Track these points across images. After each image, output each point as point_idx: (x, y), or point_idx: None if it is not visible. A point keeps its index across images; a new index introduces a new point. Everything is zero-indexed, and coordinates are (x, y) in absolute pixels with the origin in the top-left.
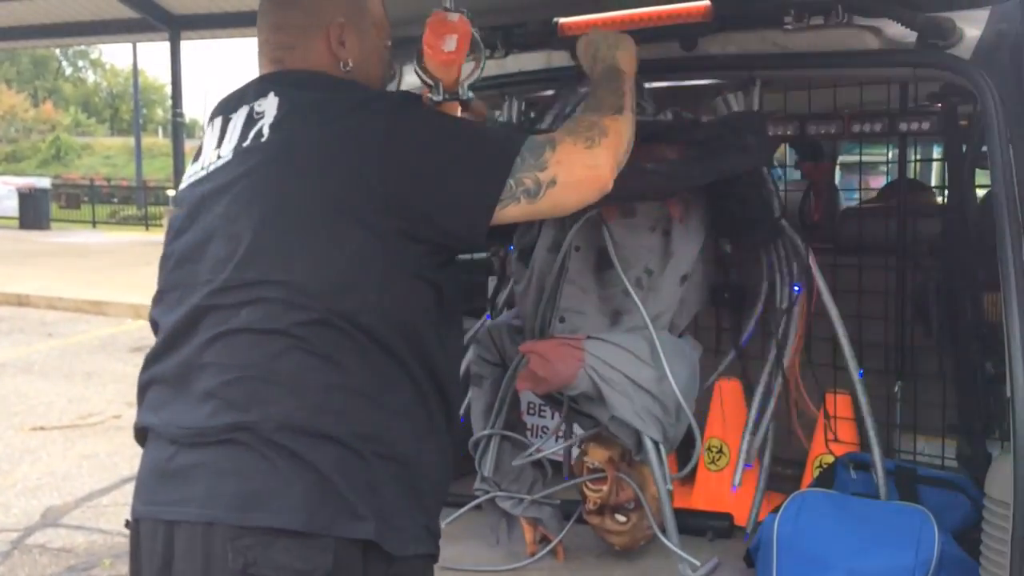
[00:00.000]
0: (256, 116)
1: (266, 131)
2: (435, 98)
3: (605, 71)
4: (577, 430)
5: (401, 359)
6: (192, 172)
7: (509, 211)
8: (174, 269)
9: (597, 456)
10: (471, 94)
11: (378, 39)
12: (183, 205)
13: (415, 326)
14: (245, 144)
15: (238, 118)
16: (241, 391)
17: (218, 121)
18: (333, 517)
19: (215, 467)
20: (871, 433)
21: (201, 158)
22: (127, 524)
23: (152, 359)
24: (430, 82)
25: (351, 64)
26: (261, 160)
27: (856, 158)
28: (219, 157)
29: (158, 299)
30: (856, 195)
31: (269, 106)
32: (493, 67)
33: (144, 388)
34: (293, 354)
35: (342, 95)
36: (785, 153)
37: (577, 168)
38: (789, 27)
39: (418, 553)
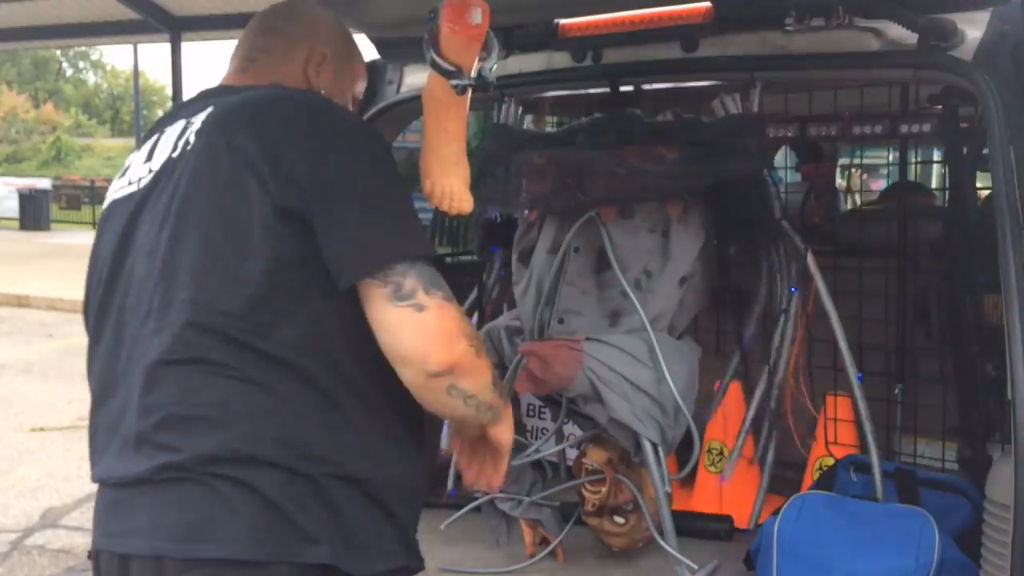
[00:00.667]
0: (188, 126)
1: (192, 139)
2: (461, 83)
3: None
4: (575, 431)
5: (336, 374)
6: (119, 187)
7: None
8: (101, 290)
9: (595, 457)
10: (495, 79)
11: (349, 88)
12: (110, 221)
13: (343, 337)
14: (174, 155)
15: (173, 130)
16: (170, 431)
17: (154, 137)
18: (284, 543)
19: (159, 497)
20: (869, 436)
21: (128, 173)
22: (89, 555)
23: (93, 403)
24: (451, 68)
25: (321, 93)
26: (181, 171)
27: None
28: (150, 171)
29: (88, 321)
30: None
31: (202, 115)
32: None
33: (91, 437)
34: (216, 382)
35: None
36: (786, 155)
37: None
38: (790, 28)
39: (388, 569)
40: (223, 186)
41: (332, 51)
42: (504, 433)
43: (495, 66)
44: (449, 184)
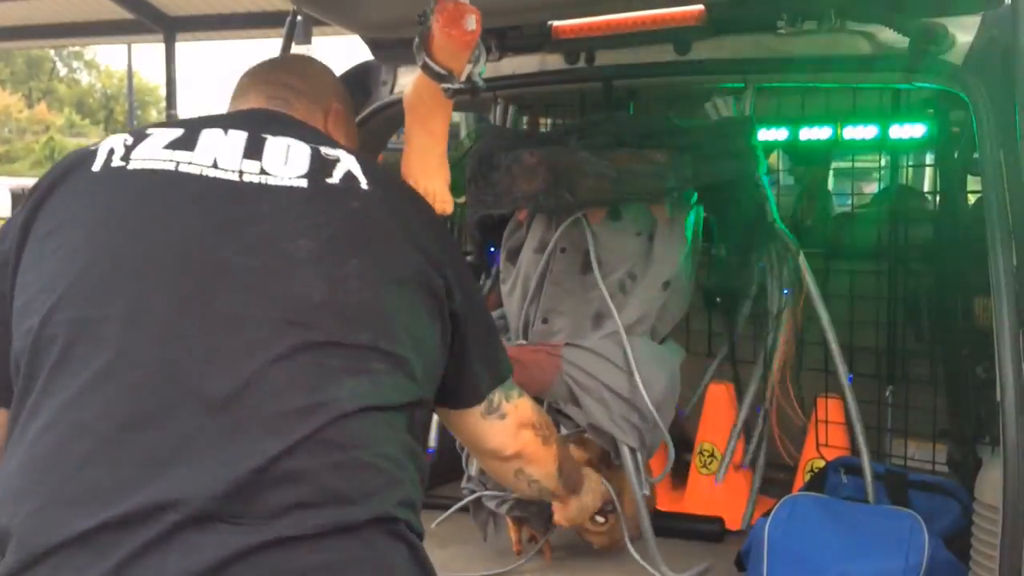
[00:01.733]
0: (327, 157)
1: (362, 179)
2: (452, 87)
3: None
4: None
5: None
6: (160, 154)
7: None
8: (117, 262)
9: (576, 457)
10: (483, 83)
11: (355, 143)
12: (155, 188)
13: (424, 417)
14: (330, 181)
15: (277, 144)
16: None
17: (215, 131)
18: None
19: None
20: (859, 438)
21: (191, 152)
22: None
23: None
24: (443, 72)
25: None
26: (361, 208)
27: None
28: (261, 171)
29: (54, 289)
30: (848, 200)
31: (346, 156)
32: (488, 69)
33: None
34: (397, 436)
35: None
36: (779, 158)
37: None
38: (782, 32)
39: None
40: (405, 253)
41: (344, 108)
42: (559, 514)
43: (484, 70)
44: (432, 185)
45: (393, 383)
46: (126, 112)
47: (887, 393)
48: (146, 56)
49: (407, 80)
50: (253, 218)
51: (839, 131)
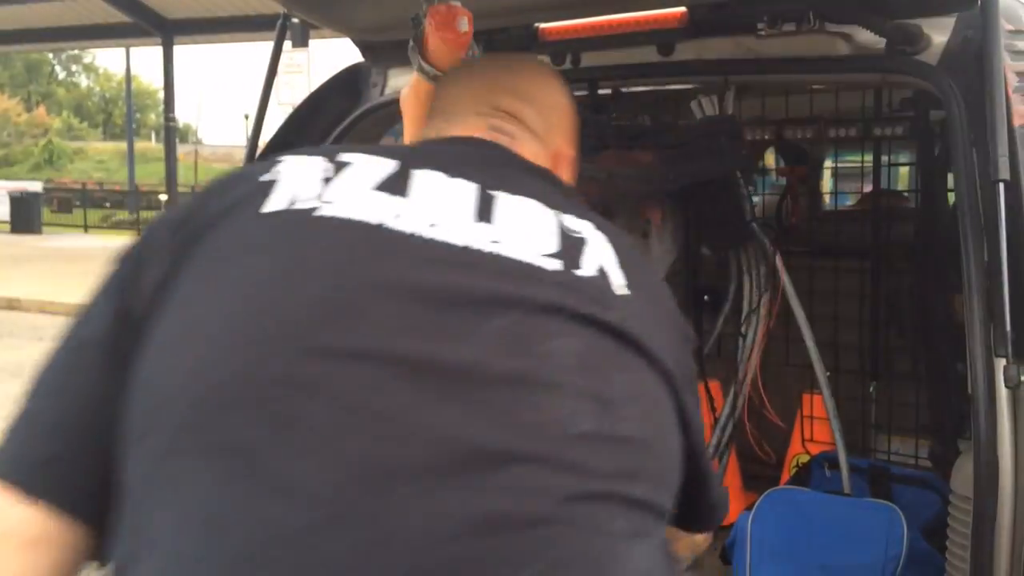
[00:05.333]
0: (572, 234)
1: (616, 277)
2: None
3: None
4: None
5: None
6: (384, 208)
7: None
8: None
9: None
10: None
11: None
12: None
13: None
14: (579, 273)
15: (512, 206)
16: None
17: (433, 173)
18: None
19: None
20: (837, 433)
21: (335, 192)
22: None
23: None
24: (438, 74)
25: None
26: (617, 322)
27: (843, 164)
28: (495, 241)
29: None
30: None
31: (592, 234)
32: None
33: None
34: None
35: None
36: (765, 158)
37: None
38: (763, 33)
39: None
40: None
41: (574, 154)
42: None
43: None
44: None
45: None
46: (125, 115)
47: (871, 389)
48: (145, 59)
49: (397, 82)
50: (491, 306)
51: (822, 130)
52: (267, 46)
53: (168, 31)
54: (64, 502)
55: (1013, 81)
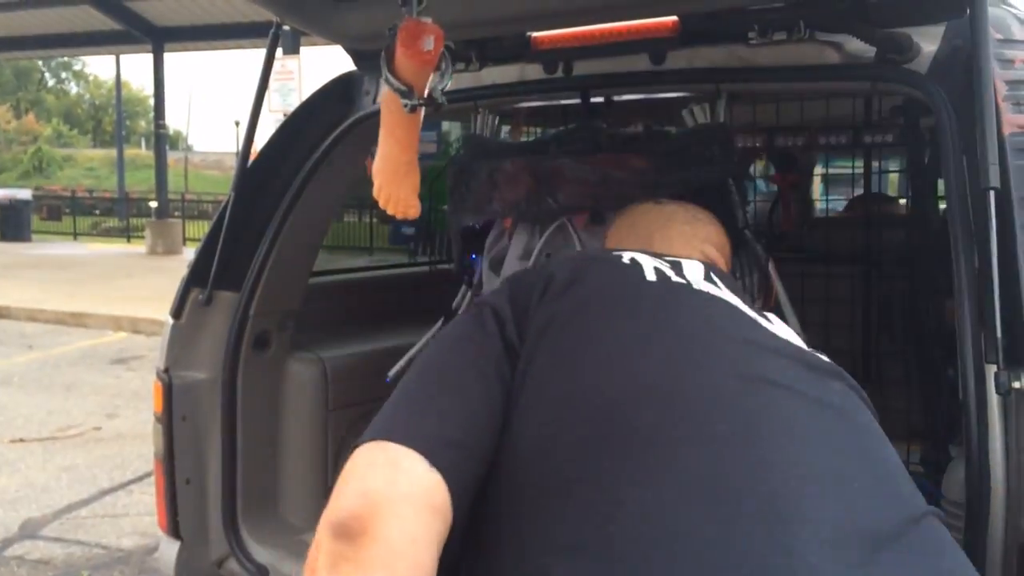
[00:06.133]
0: (763, 325)
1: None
2: (411, 103)
3: None
4: None
5: None
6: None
7: None
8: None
9: None
10: (444, 99)
11: None
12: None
13: None
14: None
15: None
16: None
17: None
18: None
19: None
20: None
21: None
22: None
23: None
24: (403, 88)
25: None
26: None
27: (834, 170)
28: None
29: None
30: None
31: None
32: (469, 80)
33: None
34: None
35: None
36: (756, 166)
37: None
38: (754, 42)
39: None
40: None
41: (717, 248)
42: None
43: (447, 85)
44: (397, 190)
45: None
46: (114, 122)
47: None
48: (135, 66)
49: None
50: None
51: (813, 138)
52: (257, 53)
53: (158, 38)
54: (456, 484)
55: (1002, 90)
